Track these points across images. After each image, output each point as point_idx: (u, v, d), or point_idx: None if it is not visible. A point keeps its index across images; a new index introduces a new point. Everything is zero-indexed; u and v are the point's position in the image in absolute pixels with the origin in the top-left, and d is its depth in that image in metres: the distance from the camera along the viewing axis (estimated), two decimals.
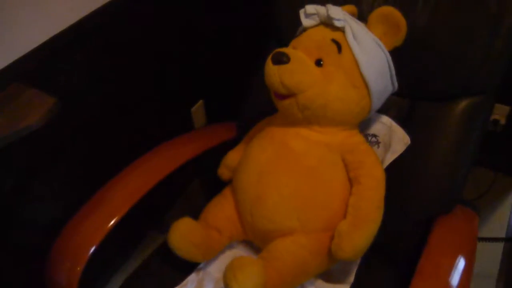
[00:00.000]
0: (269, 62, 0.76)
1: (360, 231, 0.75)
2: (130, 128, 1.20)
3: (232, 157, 0.98)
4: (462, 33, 0.85)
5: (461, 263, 0.76)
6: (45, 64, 0.89)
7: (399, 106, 0.93)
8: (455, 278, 0.73)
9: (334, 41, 0.76)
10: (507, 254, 1.30)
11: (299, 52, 0.77)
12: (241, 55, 1.45)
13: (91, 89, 1.03)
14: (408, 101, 0.92)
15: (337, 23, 0.76)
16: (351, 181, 0.81)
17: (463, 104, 0.88)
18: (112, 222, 0.81)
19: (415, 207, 0.89)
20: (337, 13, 0.76)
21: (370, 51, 0.77)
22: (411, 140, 0.89)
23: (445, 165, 0.88)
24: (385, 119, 0.91)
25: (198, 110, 1.46)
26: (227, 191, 0.92)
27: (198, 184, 1.27)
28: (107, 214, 0.83)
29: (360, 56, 0.75)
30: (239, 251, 0.91)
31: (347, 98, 0.78)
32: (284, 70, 0.74)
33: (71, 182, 1.04)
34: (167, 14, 1.20)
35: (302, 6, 0.84)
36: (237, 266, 0.72)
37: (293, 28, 0.89)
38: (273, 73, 0.75)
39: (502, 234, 1.37)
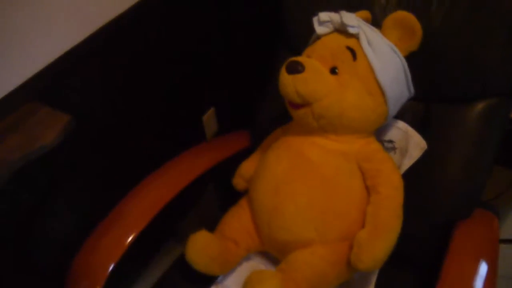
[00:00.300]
0: (283, 71, 0.76)
1: (379, 240, 0.74)
2: (143, 140, 1.20)
3: (247, 167, 0.97)
4: (479, 34, 0.83)
5: (485, 268, 0.74)
6: (57, 81, 0.89)
7: (414, 110, 0.91)
8: (480, 284, 0.72)
9: (349, 48, 0.76)
10: None
11: (313, 61, 0.76)
12: (253, 62, 1.45)
13: (103, 103, 1.03)
14: (423, 105, 0.91)
15: (352, 30, 0.75)
16: (368, 190, 0.80)
17: (480, 106, 0.86)
18: (130, 238, 0.81)
19: (434, 213, 0.88)
20: (351, 19, 0.75)
21: (385, 58, 0.76)
22: (428, 144, 0.87)
23: (465, 169, 0.87)
24: (401, 124, 0.90)
25: (209, 118, 1.45)
26: (243, 202, 0.91)
27: (212, 193, 1.27)
28: (125, 230, 0.83)
29: (375, 62, 0.75)
30: (256, 263, 0.91)
31: (363, 105, 0.77)
32: (299, 79, 0.74)
33: (88, 198, 1.04)
34: (177, 21, 1.19)
35: (314, 13, 0.83)
36: (255, 280, 0.72)
37: (305, 36, 0.89)
38: (288, 82, 0.75)
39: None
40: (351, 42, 0.76)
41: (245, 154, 1.03)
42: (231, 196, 1.09)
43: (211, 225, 0.99)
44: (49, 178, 0.93)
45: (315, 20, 0.80)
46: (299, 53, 0.97)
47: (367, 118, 0.78)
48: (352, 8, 0.88)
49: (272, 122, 1.03)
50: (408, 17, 0.76)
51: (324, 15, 0.79)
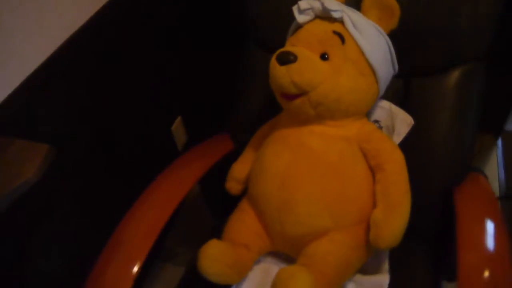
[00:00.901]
0: (274, 64, 0.74)
1: (395, 216, 0.74)
2: (120, 160, 1.13)
3: (239, 169, 0.95)
4: (445, 6, 0.85)
5: (495, 226, 0.76)
6: (22, 109, 0.82)
7: (394, 87, 0.92)
8: (495, 241, 0.73)
9: (336, 32, 0.75)
10: (507, 212, 1.34)
11: (304, 49, 0.75)
12: (214, 65, 1.42)
13: (74, 126, 0.96)
14: (402, 81, 0.92)
15: (335, 14, 0.75)
16: (372, 170, 0.80)
17: (457, 73, 0.89)
18: (136, 269, 0.75)
19: (430, 183, 0.89)
20: (333, 4, 0.75)
21: (372, 38, 0.76)
22: (413, 118, 0.88)
23: (451, 136, 0.89)
24: (383, 103, 0.91)
25: (177, 127, 1.40)
26: (244, 205, 0.88)
27: (201, 202, 1.22)
28: (128, 261, 0.76)
29: (364, 44, 0.75)
30: (268, 265, 0.88)
31: (357, 87, 0.77)
32: (294, 69, 0.72)
33: (77, 228, 0.98)
34: (135, 30, 1.14)
35: (281, 6, 0.85)
36: (286, 278, 0.68)
37: (275, 28, 0.89)
38: (282, 74, 0.73)
39: (496, 193, 1.41)
40: (336, 27, 0.76)
41: (229, 158, 1.00)
42: (223, 202, 1.06)
43: (201, 234, 0.95)
44: (32, 216, 0.85)
45: (295, 9, 0.79)
46: (268, 46, 0.96)
47: (362, 99, 0.79)
48: None
49: (253, 120, 1.01)
50: None
51: (304, 3, 0.78)
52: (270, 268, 0.86)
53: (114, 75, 1.07)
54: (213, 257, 0.77)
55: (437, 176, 0.89)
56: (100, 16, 0.98)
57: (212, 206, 1.10)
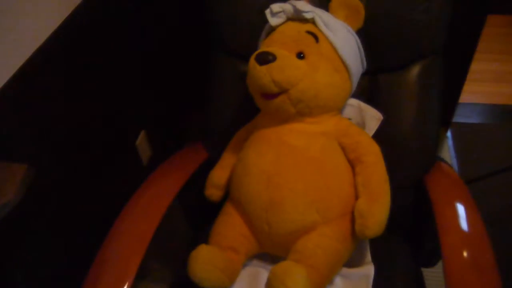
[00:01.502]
0: (254, 64, 0.76)
1: (378, 205, 0.78)
2: (88, 176, 1.10)
3: (218, 175, 0.95)
4: (401, 6, 0.91)
5: (469, 208, 0.81)
6: None
7: (361, 85, 0.96)
8: (472, 222, 0.78)
9: (309, 32, 0.79)
10: None
11: (280, 49, 0.77)
12: (175, 75, 1.41)
13: (41, 145, 0.92)
14: (368, 78, 0.97)
15: (307, 15, 0.79)
16: (351, 163, 0.83)
17: (417, 67, 0.95)
18: None
19: (402, 173, 0.94)
20: (304, 6, 0.79)
21: (343, 36, 0.81)
22: (381, 111, 0.92)
23: (417, 126, 0.95)
24: (352, 101, 0.94)
25: (142, 142, 1.38)
26: (229, 209, 0.88)
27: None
28: (118, 281, 0.74)
29: (336, 41, 0.79)
30: (254, 268, 0.88)
31: (334, 83, 0.81)
32: (274, 67, 0.74)
33: (54, 252, 0.93)
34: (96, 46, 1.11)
35: (245, 12, 0.91)
36: (282, 273, 0.69)
37: (239, 34, 0.95)
38: (263, 74, 0.75)
39: None
40: (308, 27, 0.80)
41: (203, 166, 1.00)
42: (200, 211, 1.05)
43: (183, 247, 0.93)
44: (7, 240, 0.80)
45: (267, 12, 0.82)
46: (234, 53, 0.99)
47: (338, 94, 0.83)
48: None
49: (226, 127, 1.02)
50: None
51: (276, 6, 0.81)
52: (257, 271, 0.87)
53: (79, 90, 1.04)
54: (206, 261, 0.76)
55: (407, 165, 0.94)
56: (63, 31, 0.95)
57: (189, 216, 1.08)
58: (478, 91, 1.97)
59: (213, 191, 0.95)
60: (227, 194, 0.94)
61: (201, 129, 1.08)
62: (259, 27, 0.94)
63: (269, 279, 0.70)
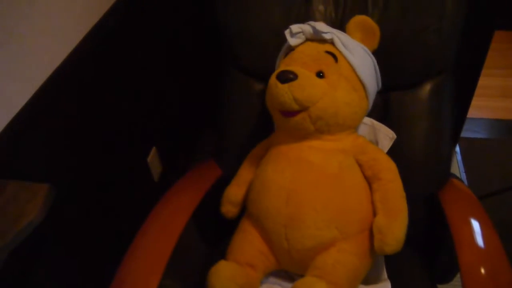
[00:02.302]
0: (275, 83, 0.77)
1: (397, 222, 0.78)
2: (102, 194, 1.10)
3: (235, 192, 0.95)
4: (413, 26, 0.92)
5: (485, 224, 0.82)
6: (8, 150, 0.79)
7: (374, 103, 0.97)
8: (488, 238, 0.79)
9: (328, 52, 0.81)
10: None
11: (301, 68, 0.78)
12: (186, 91, 1.42)
13: (57, 164, 0.93)
14: (379, 96, 0.98)
15: (326, 36, 0.81)
16: (368, 180, 0.84)
17: (429, 85, 0.96)
18: None
19: (415, 189, 0.94)
20: (323, 27, 0.81)
21: (360, 56, 0.83)
22: (394, 130, 0.93)
23: (430, 143, 0.96)
24: (366, 119, 0.96)
25: (153, 159, 1.39)
26: (246, 226, 0.88)
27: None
28: None
29: (354, 62, 0.81)
30: (270, 285, 0.88)
31: (352, 102, 0.82)
32: (295, 86, 0.76)
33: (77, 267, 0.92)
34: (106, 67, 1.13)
35: (257, 29, 0.94)
36: None
37: (255, 54, 0.97)
38: (284, 92, 0.76)
39: None
40: (327, 47, 0.82)
41: (217, 183, 1.00)
42: (215, 229, 1.05)
43: (199, 264, 0.93)
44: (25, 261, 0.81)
45: (287, 33, 0.84)
46: (248, 70, 1.01)
47: (356, 113, 0.84)
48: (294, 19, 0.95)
49: (240, 144, 1.03)
50: (368, 20, 0.86)
51: (295, 27, 0.83)
52: (272, 286, 0.87)
53: (90, 109, 1.05)
54: (227, 277, 0.77)
55: (421, 183, 0.95)
56: (77, 53, 0.97)
57: (202, 233, 1.08)
58: (484, 106, 1.98)
59: (229, 208, 0.96)
60: (243, 211, 0.94)
61: (214, 146, 1.09)
62: (271, 45, 0.96)
63: None
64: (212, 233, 1.08)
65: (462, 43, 1.00)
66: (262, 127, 1.00)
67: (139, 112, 1.30)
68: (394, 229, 0.77)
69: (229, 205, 0.96)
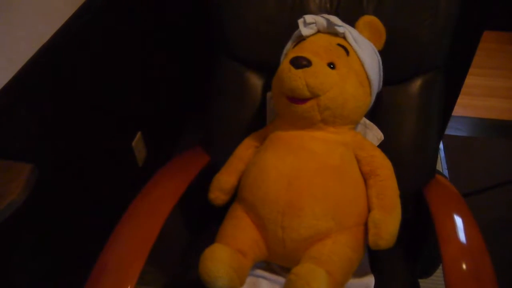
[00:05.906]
0: (289, 67, 0.76)
1: (392, 217, 0.79)
2: (85, 177, 1.08)
3: (226, 179, 0.94)
4: (407, 20, 0.93)
5: (468, 220, 0.83)
6: None
7: None
8: (471, 233, 0.80)
9: (340, 45, 0.82)
10: None
11: (315, 57, 0.78)
12: (172, 75, 1.40)
13: (38, 144, 0.91)
14: None
15: (340, 29, 0.82)
16: (364, 175, 0.85)
17: (419, 81, 0.97)
18: None
19: (402, 184, 0.93)
20: (337, 20, 0.82)
21: (369, 53, 0.84)
22: (383, 124, 0.94)
23: (418, 139, 0.96)
24: None
25: (138, 143, 1.37)
26: (238, 212, 0.86)
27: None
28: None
29: (364, 57, 0.82)
30: (254, 278, 0.87)
31: (358, 96, 0.83)
32: (309, 72, 0.76)
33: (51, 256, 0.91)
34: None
35: (252, 17, 0.93)
36: (306, 274, 0.68)
37: (246, 42, 0.96)
38: (298, 77, 0.76)
39: None
40: (339, 41, 0.83)
41: (204, 170, 0.99)
42: (197, 213, 1.04)
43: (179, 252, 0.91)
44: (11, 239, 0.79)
45: (300, 22, 0.85)
46: (240, 58, 1.00)
47: (360, 108, 0.85)
48: (288, 8, 0.94)
49: (230, 131, 1.02)
50: (376, 21, 0.88)
51: (309, 17, 0.84)
52: (257, 281, 0.86)
53: (76, 90, 1.03)
54: (221, 259, 0.74)
55: (407, 178, 0.95)
56: (63, 32, 0.94)
57: (183, 219, 1.07)
58: (469, 104, 2.01)
59: (218, 194, 0.94)
60: (231, 199, 0.93)
61: (203, 132, 1.07)
62: (264, 33, 0.95)
63: (292, 280, 0.68)
64: (196, 220, 1.07)
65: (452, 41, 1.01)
66: (253, 115, 0.99)
67: (126, 96, 1.28)
68: (389, 224, 0.78)
69: (219, 192, 0.94)
